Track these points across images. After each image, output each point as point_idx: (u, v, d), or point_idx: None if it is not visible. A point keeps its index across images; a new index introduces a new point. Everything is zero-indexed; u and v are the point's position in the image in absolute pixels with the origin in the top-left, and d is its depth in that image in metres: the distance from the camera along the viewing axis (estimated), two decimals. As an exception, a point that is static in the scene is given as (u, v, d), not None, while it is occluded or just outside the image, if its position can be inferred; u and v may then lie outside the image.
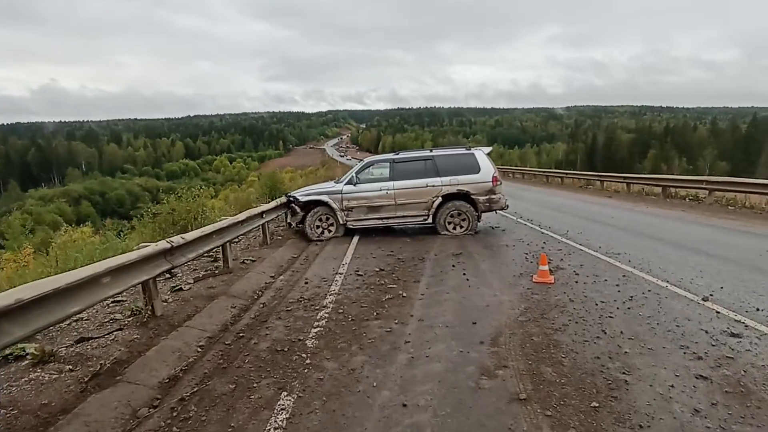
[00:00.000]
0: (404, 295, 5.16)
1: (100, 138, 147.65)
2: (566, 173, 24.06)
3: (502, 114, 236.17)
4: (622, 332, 3.87)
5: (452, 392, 2.96)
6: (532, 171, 31.31)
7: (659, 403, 2.73)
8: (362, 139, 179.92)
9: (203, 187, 12.97)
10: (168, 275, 5.46)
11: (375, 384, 3.11)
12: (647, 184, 16.27)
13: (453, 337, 3.90)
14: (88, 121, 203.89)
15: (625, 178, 17.13)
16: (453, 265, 6.50)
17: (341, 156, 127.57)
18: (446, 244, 8.12)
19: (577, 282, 5.49)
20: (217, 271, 6.53)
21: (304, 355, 3.64)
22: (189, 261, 5.03)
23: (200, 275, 6.32)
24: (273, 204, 8.70)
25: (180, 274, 6.55)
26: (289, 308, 4.87)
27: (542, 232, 9.08)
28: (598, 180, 19.49)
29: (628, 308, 4.48)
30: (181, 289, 5.73)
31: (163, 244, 4.32)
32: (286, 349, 3.77)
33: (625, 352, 3.46)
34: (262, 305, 5.10)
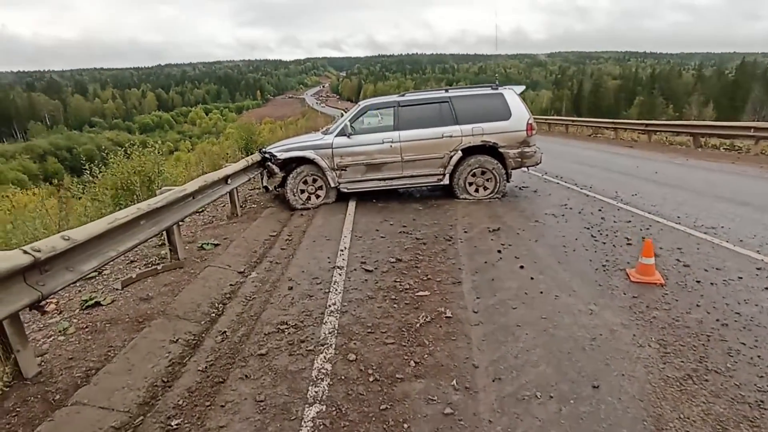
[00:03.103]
0: (448, 313, 3.26)
1: (63, 89, 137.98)
2: (572, 120, 22.02)
3: (485, 60, 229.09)
4: None
5: None
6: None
7: None
8: (343, 87, 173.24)
9: (160, 142, 10.58)
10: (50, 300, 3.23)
11: None
12: (674, 132, 14.43)
13: (577, 434, 2.05)
14: (48, 71, 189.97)
15: (646, 126, 15.22)
16: (498, 251, 4.60)
17: (317, 103, 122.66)
18: (473, 214, 6.21)
19: (699, 282, 3.66)
20: (161, 266, 4.51)
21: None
22: (88, 274, 2.99)
23: (134, 274, 4.30)
24: (242, 164, 6.53)
25: (107, 271, 4.54)
26: (263, 348, 2.94)
27: (586, 194, 7.21)
28: (612, 128, 17.55)
29: (837, 343, 2.68)
30: (98, 303, 3.73)
31: (16, 258, 2.27)
32: (254, 482, 1.87)
33: None
34: (220, 337, 3.16)
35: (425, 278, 3.96)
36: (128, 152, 8.16)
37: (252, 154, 16.27)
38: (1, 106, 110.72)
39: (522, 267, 4.13)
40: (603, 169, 9.92)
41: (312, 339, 2.99)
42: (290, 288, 3.87)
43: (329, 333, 3.06)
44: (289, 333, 3.09)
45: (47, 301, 2.99)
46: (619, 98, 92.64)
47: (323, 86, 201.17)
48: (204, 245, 5.20)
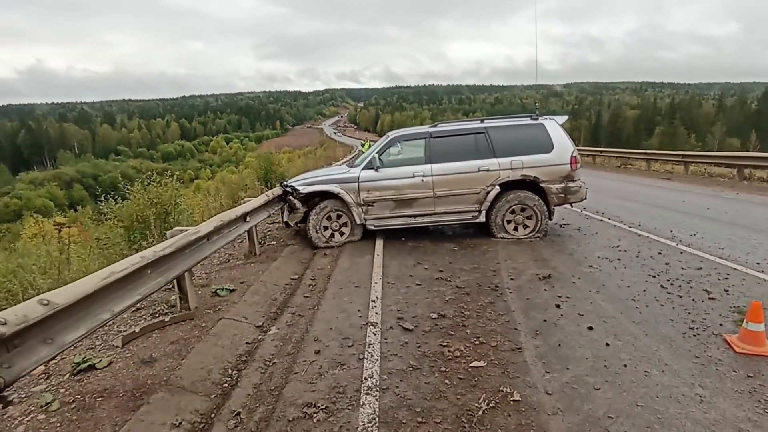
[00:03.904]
0: (515, 396, 2.61)
1: (93, 119, 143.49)
2: (600, 150, 21.34)
3: (501, 91, 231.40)
4: None
5: None
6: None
7: None
8: (360, 117, 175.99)
9: (181, 170, 10.29)
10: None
11: None
12: (714, 163, 13.64)
13: None
14: (80, 103, 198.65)
15: (683, 156, 14.47)
16: (557, 305, 3.94)
17: (335, 133, 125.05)
18: (515, 256, 5.56)
19: (825, 355, 2.94)
20: (169, 317, 3.97)
21: None
22: (73, 345, 2.43)
23: (138, 328, 3.75)
24: (262, 199, 6.04)
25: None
26: (286, 442, 2.33)
27: (637, 234, 6.52)
28: (644, 159, 16.81)
29: None
30: (92, 367, 3.18)
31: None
32: None
33: None
34: (233, 421, 2.55)
35: (477, 341, 3.31)
36: (145, 184, 7.83)
37: (272, 184, 16.05)
38: (34, 136, 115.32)
39: (591, 328, 3.45)
40: (646, 203, 9.21)
41: (348, 431, 2.36)
42: (317, 352, 3.27)
43: (369, 422, 2.42)
44: (318, 420, 2.46)
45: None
46: (639, 128, 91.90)
47: (341, 116, 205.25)
48: (218, 291, 4.66)
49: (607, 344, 3.19)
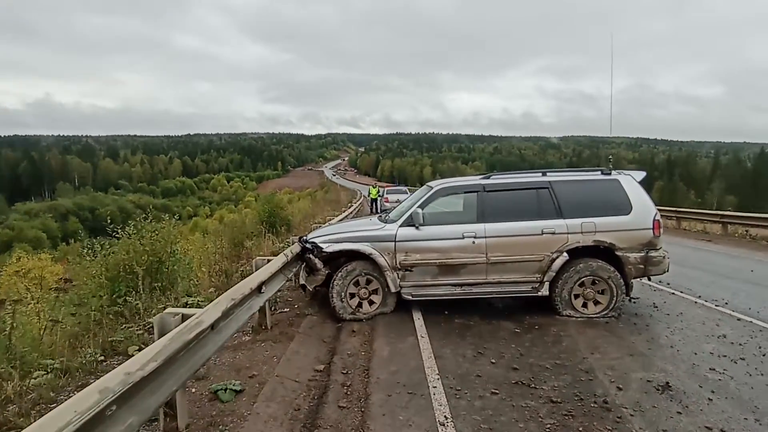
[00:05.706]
0: None
1: (96, 153, 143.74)
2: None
3: (499, 141, 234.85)
4: None
5: None
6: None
7: None
8: (361, 162, 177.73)
9: (175, 209, 9.13)
10: None
11: None
12: (753, 225, 12.64)
13: None
14: (86, 136, 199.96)
15: (721, 216, 13.51)
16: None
17: (334, 176, 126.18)
18: (601, 347, 4.33)
19: None
20: (146, 445, 2.69)
21: None
22: None
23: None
24: (279, 262, 4.77)
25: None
26: None
27: (736, 317, 5.33)
28: (673, 217, 15.82)
29: None
30: None
31: None
32: None
33: None
34: None
35: None
36: (139, 227, 6.70)
37: (277, 229, 14.83)
38: (35, 167, 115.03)
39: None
40: (708, 271, 8.10)
41: None
42: None
43: None
44: None
45: None
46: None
47: (343, 160, 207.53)
48: (219, 392, 3.38)
49: None
